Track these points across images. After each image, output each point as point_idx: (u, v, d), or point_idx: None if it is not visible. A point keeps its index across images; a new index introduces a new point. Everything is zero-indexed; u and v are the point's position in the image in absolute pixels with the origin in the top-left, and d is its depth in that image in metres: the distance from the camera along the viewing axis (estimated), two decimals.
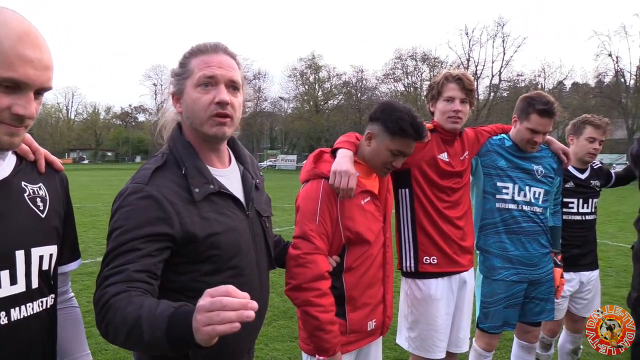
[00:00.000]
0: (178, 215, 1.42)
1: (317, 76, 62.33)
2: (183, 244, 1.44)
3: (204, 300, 1.06)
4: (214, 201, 1.53)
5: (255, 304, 1.05)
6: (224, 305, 1.03)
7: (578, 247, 3.40)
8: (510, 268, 2.85)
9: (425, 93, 2.86)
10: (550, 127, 2.81)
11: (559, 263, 3.03)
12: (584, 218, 3.42)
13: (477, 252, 2.99)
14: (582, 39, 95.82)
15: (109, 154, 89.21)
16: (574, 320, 3.59)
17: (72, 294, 1.60)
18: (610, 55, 47.01)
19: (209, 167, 1.57)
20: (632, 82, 47.04)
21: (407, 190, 2.66)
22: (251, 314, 1.03)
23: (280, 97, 65.13)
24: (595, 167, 3.58)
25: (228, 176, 1.64)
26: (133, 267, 1.30)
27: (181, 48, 1.65)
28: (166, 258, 1.41)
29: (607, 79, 49.51)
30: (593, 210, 3.50)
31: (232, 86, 1.55)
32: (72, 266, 1.49)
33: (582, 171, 3.47)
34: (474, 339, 3.05)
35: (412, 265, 2.66)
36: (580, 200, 3.41)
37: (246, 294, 1.08)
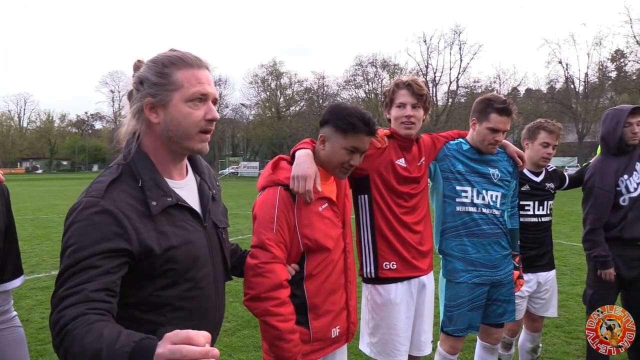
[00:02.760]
0: (135, 230, 1.38)
1: (278, 82, 62.27)
2: (140, 259, 1.39)
3: (163, 348, 1.02)
4: (171, 214, 1.50)
5: (216, 352, 1.03)
6: (184, 354, 1.00)
7: (535, 249, 3.49)
8: (472, 270, 2.89)
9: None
10: (508, 125, 2.88)
11: (517, 265, 3.10)
12: (540, 220, 3.51)
13: (440, 256, 3.02)
14: (534, 46, 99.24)
15: (65, 163, 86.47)
16: (532, 319, 3.67)
17: (15, 313, 1.52)
18: (560, 62, 48.91)
19: (166, 179, 1.54)
20: (581, 88, 49.01)
21: (366, 196, 2.67)
22: None
23: (242, 104, 64.77)
24: (550, 170, 3.69)
25: (185, 188, 1.61)
26: (90, 286, 1.25)
27: (138, 54, 1.61)
28: (124, 274, 1.36)
29: (558, 85, 51.44)
30: (548, 212, 3.59)
31: (214, 102, 1.56)
32: (15, 283, 1.41)
33: (537, 174, 3.56)
34: (438, 342, 3.07)
35: (372, 270, 2.67)
36: (536, 203, 3.50)
37: (206, 334, 1.06)
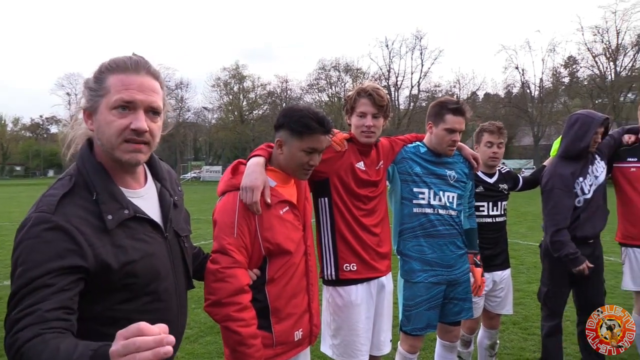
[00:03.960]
0: (91, 246, 1.33)
1: (241, 86, 61.77)
2: (97, 275, 1.35)
3: (116, 345, 1.00)
4: (129, 227, 1.44)
5: (172, 338, 1.01)
6: (138, 346, 0.97)
7: (490, 249, 3.59)
8: (429, 270, 2.96)
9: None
10: (463, 125, 2.97)
11: (479, 263, 3.19)
12: (494, 220, 3.61)
13: (398, 256, 3.09)
14: (492, 52, 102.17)
15: (18, 168, 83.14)
16: (489, 317, 3.78)
17: None
18: (517, 68, 50.40)
19: (122, 189, 1.48)
20: (537, 93, 50.71)
21: (326, 199, 2.71)
22: (168, 349, 0.99)
23: (204, 107, 63.84)
24: (503, 171, 3.81)
25: (144, 197, 1.56)
26: (45, 305, 1.20)
27: (96, 55, 1.57)
28: (81, 290, 1.31)
29: (515, 90, 52.99)
30: (503, 213, 3.71)
31: (152, 111, 1.46)
32: None
33: (490, 176, 3.67)
34: (398, 342, 3.13)
35: (333, 272, 2.71)
36: (490, 204, 3.60)
37: (162, 326, 1.03)
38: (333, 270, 2.71)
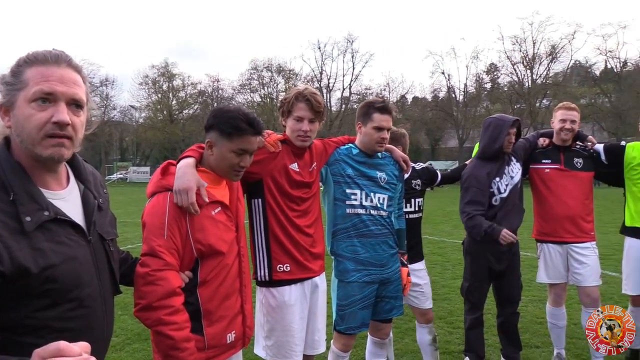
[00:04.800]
0: (7, 248, 1.26)
1: (171, 84, 59.93)
2: (14, 280, 1.28)
3: None
4: (50, 229, 1.38)
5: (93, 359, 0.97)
6: None
7: None
8: (362, 270, 3.03)
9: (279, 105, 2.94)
10: (391, 123, 3.07)
11: (405, 263, 3.31)
12: (408, 217, 3.71)
13: (332, 257, 3.14)
14: (420, 57, 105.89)
15: None
16: (422, 313, 3.90)
17: None
18: (443, 73, 52.65)
19: (42, 190, 1.41)
20: (461, 97, 53.14)
21: (259, 200, 2.71)
22: None
23: (131, 106, 61.34)
24: (417, 168, 3.97)
25: (66, 198, 1.49)
26: None
27: (15, 49, 1.47)
28: None
29: (441, 94, 55.27)
30: (416, 209, 3.84)
31: (75, 104, 1.41)
32: None
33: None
34: (332, 340, 3.18)
35: (266, 274, 2.71)
36: (404, 201, 3.69)
37: (83, 344, 0.99)
38: (266, 271, 2.72)
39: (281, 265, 2.70)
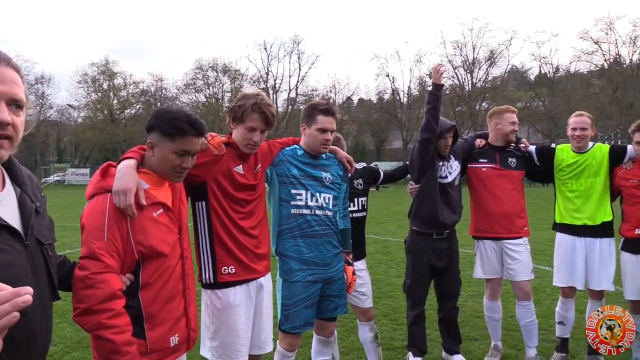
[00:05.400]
0: None
1: (111, 83, 57.94)
2: None
3: None
4: None
5: (29, 289, 0.99)
6: None
7: None
8: (306, 269, 3.07)
9: (228, 105, 2.92)
10: (334, 125, 3.13)
11: (351, 262, 3.37)
12: (352, 216, 3.78)
13: (277, 257, 3.16)
14: (366, 60, 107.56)
15: None
16: (362, 312, 3.99)
17: None
18: (387, 75, 53.79)
19: None
20: (405, 99, 54.44)
21: (203, 202, 2.70)
22: (27, 298, 0.98)
23: (69, 105, 58.85)
24: (359, 168, 4.08)
25: (2, 202, 1.44)
26: None
27: None
28: None
29: (386, 96, 56.48)
30: (360, 208, 3.94)
31: (15, 104, 1.37)
32: None
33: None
34: (277, 341, 3.20)
35: (211, 276, 2.70)
36: (348, 201, 3.81)
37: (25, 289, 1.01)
38: (211, 273, 2.71)
39: (226, 268, 2.70)
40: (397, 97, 54.88)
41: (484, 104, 48.40)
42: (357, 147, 51.83)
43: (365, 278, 3.94)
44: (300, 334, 3.18)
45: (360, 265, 3.92)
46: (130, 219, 1.99)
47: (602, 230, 4.07)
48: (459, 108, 49.09)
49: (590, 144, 4.19)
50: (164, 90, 57.55)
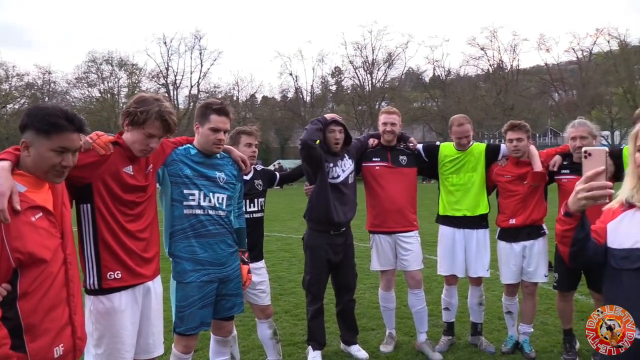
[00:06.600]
0: None
1: None
2: None
3: None
4: None
5: None
6: None
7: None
8: (201, 270, 3.04)
9: (125, 101, 2.78)
10: (228, 124, 3.13)
11: (246, 260, 3.39)
12: (252, 216, 3.85)
13: (170, 258, 3.10)
14: (269, 58, 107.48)
15: None
16: (260, 309, 4.00)
17: None
18: (291, 74, 54.15)
19: None
20: (308, 98, 55.21)
21: (88, 205, 2.57)
22: None
23: None
24: (258, 169, 4.14)
25: None
26: None
27: None
28: None
29: (289, 95, 56.85)
30: (259, 209, 3.99)
31: None
32: None
33: (246, 174, 3.86)
34: (172, 344, 3.14)
35: (96, 282, 2.59)
36: (247, 201, 3.84)
37: None
38: (96, 279, 2.59)
39: (112, 273, 2.59)
40: (301, 96, 55.48)
41: (383, 103, 50.40)
42: (261, 146, 51.37)
43: (263, 275, 3.98)
44: (196, 336, 3.14)
45: (260, 264, 3.95)
46: (5, 225, 1.86)
47: (479, 222, 4.45)
48: (360, 107, 50.70)
49: (471, 142, 4.55)
50: (52, 84, 53.30)
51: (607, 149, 2.04)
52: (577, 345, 4.36)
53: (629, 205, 2.03)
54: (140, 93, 2.76)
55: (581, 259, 2.07)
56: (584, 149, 1.93)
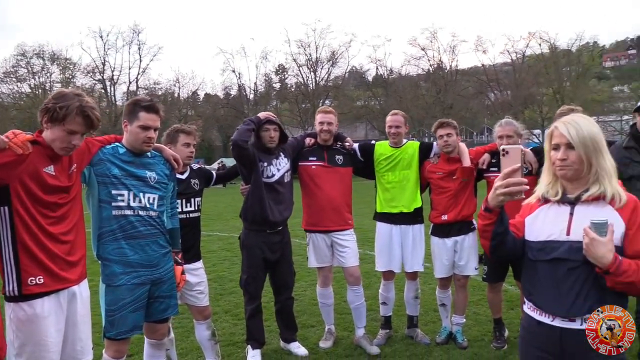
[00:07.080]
0: None
1: None
2: None
3: None
4: None
5: None
6: None
7: (182, 243, 3.59)
8: (132, 272, 2.95)
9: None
10: (158, 122, 3.05)
11: (180, 261, 3.32)
12: (188, 216, 3.80)
13: (98, 261, 2.99)
14: (211, 54, 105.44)
15: None
16: (198, 311, 3.95)
17: None
18: (234, 71, 53.35)
19: None
20: (252, 96, 54.63)
21: (6, 208, 2.43)
22: None
23: None
24: (195, 168, 4.08)
25: None
26: None
27: None
28: None
29: (232, 92, 55.99)
30: (196, 209, 3.94)
31: None
32: None
33: (182, 173, 3.85)
34: (103, 349, 3.04)
35: (15, 288, 2.46)
36: (184, 200, 3.79)
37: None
38: (15, 285, 2.45)
39: (33, 278, 2.46)
40: (244, 93, 54.78)
41: (327, 101, 50.68)
42: (204, 143, 50.62)
43: (202, 276, 3.92)
44: (128, 340, 3.05)
45: (198, 264, 3.89)
46: None
47: (414, 218, 4.58)
48: (304, 105, 50.75)
49: (405, 140, 4.67)
50: None
51: (522, 147, 2.16)
52: (506, 333, 4.59)
53: (544, 201, 2.15)
54: (60, 88, 2.63)
55: (501, 252, 2.18)
56: (501, 147, 2.04)
